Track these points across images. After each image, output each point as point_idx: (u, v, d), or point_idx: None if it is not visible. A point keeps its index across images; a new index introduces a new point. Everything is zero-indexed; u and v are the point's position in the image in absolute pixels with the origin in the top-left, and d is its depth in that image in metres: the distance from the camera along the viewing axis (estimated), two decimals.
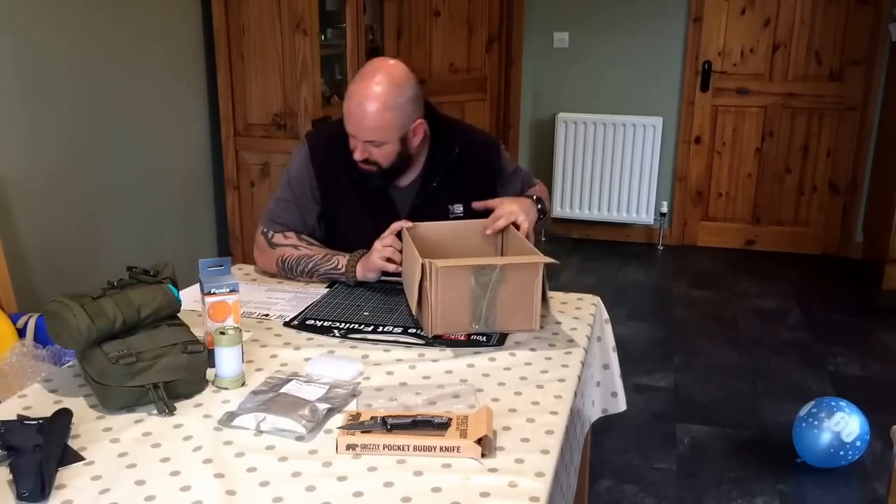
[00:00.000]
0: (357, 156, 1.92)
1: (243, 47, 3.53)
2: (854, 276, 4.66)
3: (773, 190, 5.02)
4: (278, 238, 2.04)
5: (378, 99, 1.84)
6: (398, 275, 1.91)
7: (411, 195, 2.04)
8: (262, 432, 1.34)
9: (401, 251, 1.88)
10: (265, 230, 2.07)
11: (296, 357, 1.63)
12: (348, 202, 2.04)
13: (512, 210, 1.90)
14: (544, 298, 1.76)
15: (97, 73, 2.96)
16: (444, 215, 2.02)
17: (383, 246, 1.89)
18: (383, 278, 1.95)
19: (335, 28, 3.68)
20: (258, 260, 2.10)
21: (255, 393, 1.44)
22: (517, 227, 1.88)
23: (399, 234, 1.89)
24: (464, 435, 1.27)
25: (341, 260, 1.97)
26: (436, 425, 1.30)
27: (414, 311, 1.78)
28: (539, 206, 2.01)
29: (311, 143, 2.07)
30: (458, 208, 2.05)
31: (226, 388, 1.49)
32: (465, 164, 2.04)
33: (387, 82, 1.85)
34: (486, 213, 1.97)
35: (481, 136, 2.16)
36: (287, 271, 2.03)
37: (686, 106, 5.00)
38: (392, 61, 1.92)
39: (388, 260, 1.89)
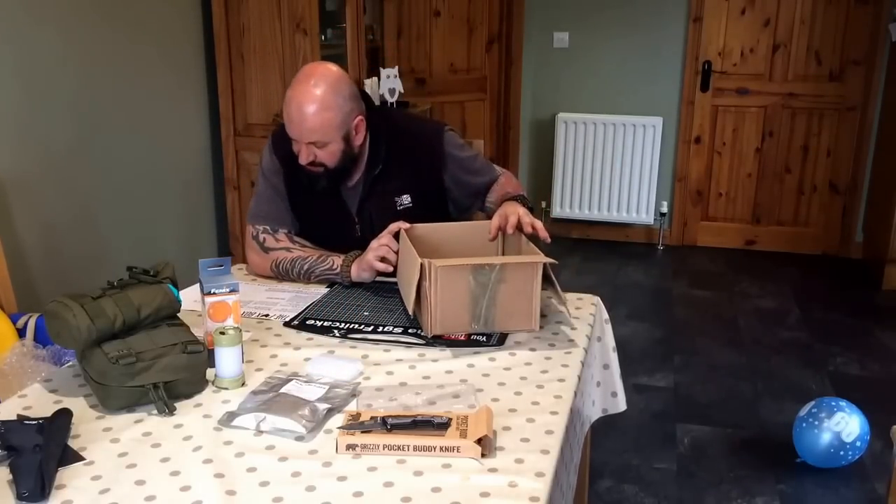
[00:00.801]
0: (302, 159, 1.94)
1: (243, 47, 3.54)
2: (854, 276, 4.66)
3: (773, 190, 5.02)
4: (270, 241, 2.05)
5: (317, 100, 1.87)
6: (393, 275, 1.91)
7: (357, 191, 2.06)
8: (262, 432, 1.34)
9: (396, 252, 1.88)
10: (255, 232, 2.08)
11: (296, 357, 1.63)
12: (306, 197, 2.06)
13: (507, 212, 1.88)
14: (557, 294, 1.77)
15: (97, 74, 2.96)
16: (392, 208, 2.04)
17: (379, 245, 1.90)
18: (380, 278, 1.95)
19: (335, 28, 3.69)
20: (252, 263, 2.11)
21: (255, 393, 1.44)
22: (517, 222, 1.86)
23: (397, 235, 1.89)
24: (464, 435, 1.27)
25: (336, 260, 1.97)
26: (436, 425, 1.30)
27: (410, 311, 1.78)
28: (523, 203, 1.97)
29: (273, 137, 2.10)
30: (406, 199, 2.06)
31: (226, 388, 1.49)
32: (402, 155, 2.05)
33: (323, 83, 1.88)
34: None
35: (423, 125, 2.17)
36: (283, 274, 2.04)
37: (686, 106, 5.00)
38: (327, 63, 1.96)
39: (383, 259, 1.89)
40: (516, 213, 1.84)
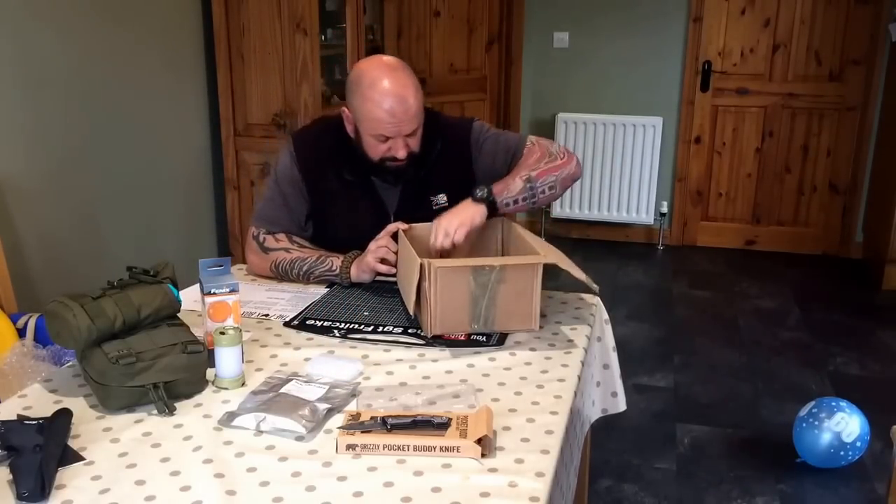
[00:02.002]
0: (403, 153, 1.90)
1: (243, 47, 3.53)
2: (854, 276, 4.66)
3: (773, 190, 5.02)
4: (270, 242, 2.04)
5: (408, 86, 1.85)
6: (393, 275, 1.91)
7: (397, 190, 2.04)
8: (262, 432, 1.34)
9: (395, 252, 1.88)
10: (256, 233, 2.07)
11: (296, 357, 1.63)
12: (338, 201, 2.04)
13: (438, 224, 1.82)
14: (573, 269, 1.74)
15: (97, 74, 2.96)
16: (429, 206, 2.01)
17: (377, 247, 1.89)
18: (380, 278, 1.95)
19: (335, 28, 3.68)
20: (251, 263, 2.10)
21: (255, 393, 1.44)
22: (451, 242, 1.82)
23: (395, 235, 1.89)
24: (464, 435, 1.27)
25: (335, 261, 1.97)
26: (436, 425, 1.30)
27: (410, 312, 1.78)
28: (482, 195, 1.86)
29: (295, 143, 2.07)
30: (442, 198, 2.03)
31: (226, 388, 1.49)
32: (440, 154, 2.03)
33: (399, 68, 1.87)
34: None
35: (454, 122, 2.14)
36: (282, 275, 2.03)
37: (686, 106, 5.00)
38: (381, 56, 1.95)
39: (382, 261, 1.89)
40: (440, 230, 1.82)
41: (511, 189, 1.89)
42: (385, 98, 1.83)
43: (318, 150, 2.04)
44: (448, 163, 2.03)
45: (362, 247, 1.98)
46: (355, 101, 1.89)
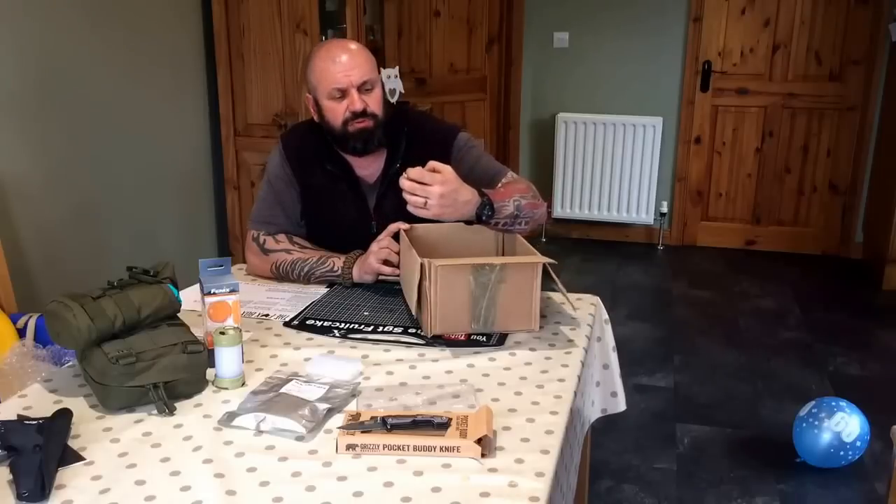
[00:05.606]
0: (359, 105, 1.94)
1: (243, 47, 3.54)
2: (854, 276, 4.65)
3: (773, 190, 5.02)
4: (270, 243, 2.05)
5: (352, 43, 2.00)
6: (397, 276, 1.91)
7: (376, 187, 2.06)
8: (262, 432, 1.34)
9: (397, 253, 1.88)
10: (255, 234, 2.08)
11: (296, 357, 1.63)
12: (323, 197, 2.06)
13: (438, 180, 1.73)
14: (560, 291, 1.76)
15: (97, 73, 2.96)
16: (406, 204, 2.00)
17: (380, 248, 1.89)
18: (381, 279, 1.95)
19: (335, 28, 3.68)
20: (252, 265, 2.11)
21: (255, 393, 1.44)
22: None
23: (396, 236, 1.88)
24: (464, 435, 1.27)
25: (336, 262, 1.97)
26: (436, 425, 1.30)
27: (414, 312, 1.78)
28: (485, 203, 1.80)
29: (284, 141, 2.11)
30: None
31: (226, 388, 1.49)
32: (420, 152, 2.01)
33: (345, 40, 2.02)
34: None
35: (441, 126, 2.17)
36: (283, 276, 2.04)
37: (686, 106, 5.00)
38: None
39: (385, 262, 1.89)
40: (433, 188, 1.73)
41: (502, 212, 1.84)
42: (332, 51, 1.96)
43: (306, 146, 2.07)
44: (427, 161, 2.04)
45: (346, 242, 1.99)
46: (309, 70, 1.99)
